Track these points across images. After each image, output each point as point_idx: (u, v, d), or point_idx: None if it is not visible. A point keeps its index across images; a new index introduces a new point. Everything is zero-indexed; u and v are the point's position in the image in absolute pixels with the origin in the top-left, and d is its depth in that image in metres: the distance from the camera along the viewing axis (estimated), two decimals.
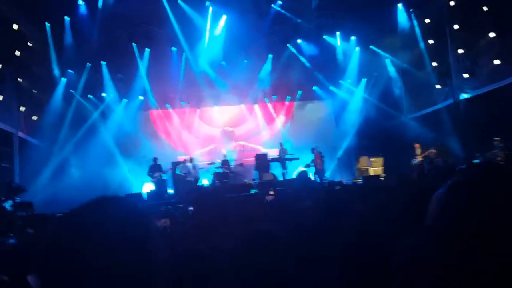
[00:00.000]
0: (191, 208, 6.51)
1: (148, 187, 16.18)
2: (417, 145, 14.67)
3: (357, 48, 18.78)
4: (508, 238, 0.81)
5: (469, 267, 0.83)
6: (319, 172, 16.21)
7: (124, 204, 1.19)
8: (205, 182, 17.21)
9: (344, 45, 18.96)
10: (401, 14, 16.69)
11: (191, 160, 16.40)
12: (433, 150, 14.12)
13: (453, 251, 0.86)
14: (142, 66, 18.04)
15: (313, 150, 16.76)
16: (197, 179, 16.18)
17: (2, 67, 12.46)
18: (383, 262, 1.26)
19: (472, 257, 0.83)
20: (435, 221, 0.94)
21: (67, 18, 15.97)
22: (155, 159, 15.98)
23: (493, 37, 12.40)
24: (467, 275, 0.83)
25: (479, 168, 0.99)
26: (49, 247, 1.08)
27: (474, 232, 0.85)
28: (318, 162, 16.51)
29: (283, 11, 17.64)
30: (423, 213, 1.02)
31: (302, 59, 18.94)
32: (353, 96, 19.56)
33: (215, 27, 17.80)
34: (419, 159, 14.42)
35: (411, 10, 16.19)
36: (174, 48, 18.15)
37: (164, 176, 16.02)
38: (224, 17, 17.54)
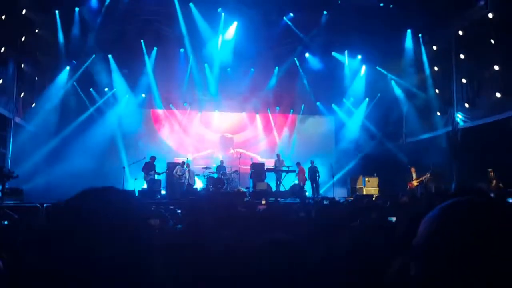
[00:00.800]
0: (179, 211, 6.49)
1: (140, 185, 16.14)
2: (413, 169, 14.76)
3: (363, 68, 18.87)
4: (494, 262, 0.83)
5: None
6: (301, 187, 16.40)
7: (117, 197, 1.13)
8: (198, 185, 17.18)
9: (351, 64, 19.06)
10: (409, 39, 16.79)
11: (186, 164, 16.33)
12: (428, 175, 14.25)
13: (441, 272, 0.88)
14: (149, 63, 18.07)
15: (298, 164, 16.85)
16: (190, 183, 16.12)
17: (6, 51, 12.42)
18: (371, 279, 1.25)
19: (461, 278, 0.85)
20: (425, 242, 0.95)
21: (77, 8, 15.99)
22: (152, 158, 15.89)
23: (497, 70, 12.48)
24: None
25: (470, 195, 1.00)
26: (32, 237, 1.05)
27: (462, 254, 0.86)
28: (301, 176, 16.56)
29: (293, 25, 17.78)
30: (411, 234, 1.04)
31: (307, 74, 19.02)
32: (355, 115, 19.63)
33: (225, 34, 17.88)
34: (414, 183, 14.53)
35: (420, 35, 16.28)
36: (181, 50, 18.18)
37: (158, 176, 16.00)
38: (234, 25, 17.62)
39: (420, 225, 0.98)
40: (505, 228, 0.86)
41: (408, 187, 14.67)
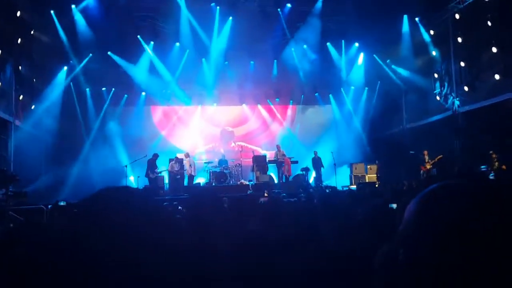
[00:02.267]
0: (180, 207, 6.51)
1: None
2: (425, 152, 14.76)
3: (361, 56, 18.82)
4: (474, 246, 0.83)
5: (440, 272, 0.85)
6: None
7: (134, 195, 1.16)
8: (201, 180, 17.22)
9: (349, 52, 19.00)
10: (406, 24, 16.71)
11: (188, 155, 16.32)
12: (440, 157, 14.19)
13: (423, 257, 0.88)
14: (145, 61, 18.01)
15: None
16: (192, 176, 16.12)
17: (2, 54, 12.39)
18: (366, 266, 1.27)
19: (442, 263, 0.85)
20: (407, 227, 0.96)
21: (73, 7, 15.92)
22: (155, 155, 15.85)
23: (495, 52, 12.44)
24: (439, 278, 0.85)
25: (462, 177, 1.00)
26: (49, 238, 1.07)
27: (441, 239, 0.86)
28: (287, 168, 16.56)
29: (289, 16, 17.69)
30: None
31: (305, 64, 18.95)
32: (354, 103, 19.63)
33: (221, 27, 17.80)
34: (427, 166, 14.54)
35: (417, 19, 16.18)
36: (177, 44, 18.10)
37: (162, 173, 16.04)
38: (230, 18, 17.54)
39: (405, 211, 0.98)
40: (488, 211, 0.85)
41: (421, 171, 14.70)
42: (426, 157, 14.73)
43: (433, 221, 0.88)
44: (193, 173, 16.14)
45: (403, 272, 0.91)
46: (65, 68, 16.60)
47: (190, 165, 16.09)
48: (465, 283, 0.81)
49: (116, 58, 17.48)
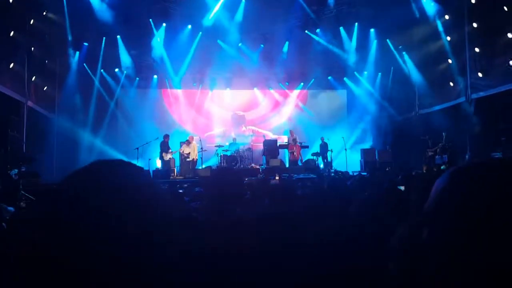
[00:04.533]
0: (197, 189, 6.56)
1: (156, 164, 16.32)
2: (427, 137, 14.92)
3: (375, 41, 18.57)
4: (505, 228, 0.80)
5: (464, 252, 0.83)
6: (294, 162, 16.36)
7: (133, 170, 1.04)
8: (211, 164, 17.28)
9: (362, 37, 18.73)
10: (421, 9, 16.40)
11: (192, 140, 16.35)
12: (441, 145, 14.35)
13: (449, 236, 0.86)
14: (157, 43, 17.98)
15: (288, 139, 16.76)
16: (195, 161, 16.16)
17: (16, 35, 12.45)
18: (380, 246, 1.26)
19: (468, 243, 0.83)
20: (434, 205, 0.93)
21: None
22: (166, 137, 15.96)
23: (511, 38, 12.19)
24: (463, 259, 0.83)
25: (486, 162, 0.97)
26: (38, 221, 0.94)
27: (470, 217, 0.84)
28: (295, 153, 16.50)
29: None
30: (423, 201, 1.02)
31: (319, 46, 18.73)
32: (367, 89, 19.46)
33: (234, 9, 17.63)
34: (430, 152, 14.62)
35: (432, 4, 15.88)
36: (189, 27, 18.00)
37: (173, 155, 16.15)
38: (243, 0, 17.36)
39: (432, 189, 0.97)
40: None
41: (425, 157, 14.83)
42: (429, 143, 14.85)
43: (465, 198, 0.86)
44: (195, 158, 16.21)
45: (427, 252, 0.89)
46: (77, 51, 16.64)
47: (194, 149, 16.14)
48: (496, 263, 0.79)
49: (126, 42, 17.45)
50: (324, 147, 17.09)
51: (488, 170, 0.89)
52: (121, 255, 0.89)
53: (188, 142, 16.14)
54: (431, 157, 14.76)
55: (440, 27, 15.79)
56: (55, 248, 0.88)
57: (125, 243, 0.90)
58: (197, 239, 1.65)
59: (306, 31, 18.67)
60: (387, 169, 14.12)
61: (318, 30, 18.64)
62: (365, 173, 14.25)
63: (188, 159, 15.86)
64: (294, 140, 16.80)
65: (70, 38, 16.18)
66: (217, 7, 17.52)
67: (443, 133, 14.51)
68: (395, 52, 17.86)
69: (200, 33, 18.02)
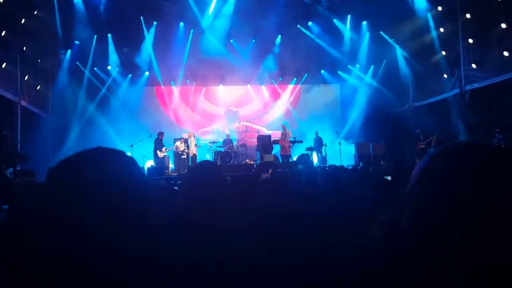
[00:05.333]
0: (180, 181, 6.52)
1: (149, 163, 16.27)
2: (420, 130, 15.07)
3: (367, 33, 18.57)
4: (485, 206, 0.81)
5: (443, 232, 0.83)
6: (285, 157, 16.40)
7: (125, 159, 1.01)
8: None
9: (354, 30, 18.73)
10: (414, 0, 16.41)
11: (192, 135, 16.38)
12: (434, 137, 14.43)
13: (428, 218, 0.86)
14: (149, 41, 17.92)
15: (281, 134, 16.85)
16: (195, 156, 16.18)
17: (7, 35, 12.39)
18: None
19: (447, 223, 0.83)
20: (413, 188, 0.94)
21: None
22: (160, 134, 15.98)
23: (504, 28, 12.20)
24: (439, 242, 0.83)
25: (467, 145, 0.97)
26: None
27: (449, 198, 0.84)
28: (285, 147, 16.52)
29: None
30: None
31: (311, 42, 18.72)
32: (360, 82, 19.48)
33: (225, 5, 17.58)
34: (421, 145, 14.71)
35: None
36: (181, 24, 17.96)
37: (167, 152, 16.14)
38: None
39: (412, 173, 0.97)
40: (496, 170, 0.84)
41: (418, 149, 14.91)
42: (421, 136, 14.92)
43: (440, 180, 0.86)
44: (195, 153, 16.23)
45: (406, 236, 0.89)
46: (69, 49, 16.57)
47: (196, 145, 16.19)
48: (469, 245, 0.80)
49: (117, 39, 17.39)
50: (318, 141, 17.12)
51: (465, 152, 0.90)
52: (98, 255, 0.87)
53: (182, 139, 16.16)
54: (423, 149, 14.80)
55: (433, 19, 15.81)
56: (40, 246, 0.86)
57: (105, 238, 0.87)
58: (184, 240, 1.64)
59: (298, 26, 18.62)
60: (382, 163, 14.15)
61: (310, 23, 18.60)
62: (359, 167, 14.30)
63: (183, 156, 15.85)
64: (284, 135, 16.81)
65: (61, 36, 16.09)
66: (212, 6, 17.46)
67: (436, 128, 14.61)
68: (391, 42, 17.82)
69: (192, 30, 17.96)
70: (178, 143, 16.01)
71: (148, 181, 1.05)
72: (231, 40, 18.46)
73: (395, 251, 0.97)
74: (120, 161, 1.00)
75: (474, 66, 13.66)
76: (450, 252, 0.82)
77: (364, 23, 18.38)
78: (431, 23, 15.85)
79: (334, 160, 16.73)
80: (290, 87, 20.28)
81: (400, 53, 17.86)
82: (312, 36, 18.72)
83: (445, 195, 0.84)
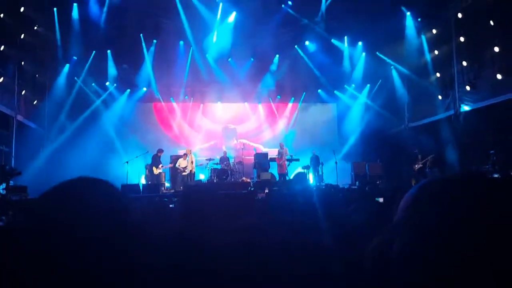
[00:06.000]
0: (175, 198, 6.48)
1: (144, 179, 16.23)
2: (417, 151, 15.13)
3: (363, 54, 18.78)
4: (468, 237, 0.82)
5: (428, 266, 0.84)
6: (282, 175, 16.45)
7: (105, 190, 1.02)
8: (202, 177, 17.22)
9: (351, 50, 18.95)
10: (409, 23, 16.67)
11: (189, 152, 16.34)
12: (430, 158, 14.50)
13: (416, 247, 0.87)
14: (148, 57, 18.04)
15: (278, 152, 16.96)
16: (193, 173, 16.13)
17: (6, 49, 12.46)
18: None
19: (434, 253, 0.84)
20: (402, 218, 0.95)
21: (75, 4, 15.95)
22: (160, 151, 16.00)
23: (497, 51, 12.39)
24: (427, 272, 0.84)
25: (458, 175, 0.98)
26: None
27: (434, 229, 0.85)
28: (282, 165, 16.55)
29: (292, 12, 17.64)
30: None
31: (308, 61, 18.92)
32: (357, 102, 19.61)
33: (224, 24, 17.79)
34: (420, 164, 14.74)
35: (419, 19, 16.17)
36: (181, 42, 18.14)
37: (163, 169, 16.10)
38: (233, 14, 17.52)
39: (401, 202, 0.99)
40: (482, 203, 0.85)
41: (414, 170, 14.95)
42: (419, 156, 14.95)
43: (428, 213, 0.88)
44: (193, 170, 16.18)
45: (396, 261, 0.91)
46: (67, 64, 16.64)
47: (192, 162, 16.13)
48: (455, 274, 0.81)
49: (116, 55, 17.52)
50: (315, 160, 17.14)
51: (453, 185, 0.91)
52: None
53: (185, 156, 16.09)
54: (419, 170, 14.84)
55: (427, 42, 16.04)
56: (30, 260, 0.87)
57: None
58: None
59: (295, 46, 18.83)
60: (378, 182, 14.14)
61: (307, 43, 18.80)
62: (355, 187, 14.28)
63: (184, 173, 15.76)
64: (281, 153, 16.83)
65: (60, 52, 16.18)
66: (212, 24, 17.67)
67: (432, 149, 14.68)
68: (388, 61, 17.99)
69: (192, 47, 18.12)
70: (180, 160, 15.98)
71: (130, 210, 1.05)
72: (229, 59, 18.59)
73: (384, 280, 0.98)
74: (102, 192, 1.01)
75: (468, 88, 13.82)
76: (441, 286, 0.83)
77: (360, 43, 18.62)
78: (425, 46, 16.08)
79: (330, 178, 16.72)
80: (288, 105, 20.38)
81: (395, 74, 18.04)
82: (307, 57, 18.92)
83: (437, 226, 0.85)
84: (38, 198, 0.97)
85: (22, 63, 13.80)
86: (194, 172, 16.21)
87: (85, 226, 0.92)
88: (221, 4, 17.36)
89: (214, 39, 18.04)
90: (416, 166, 15.11)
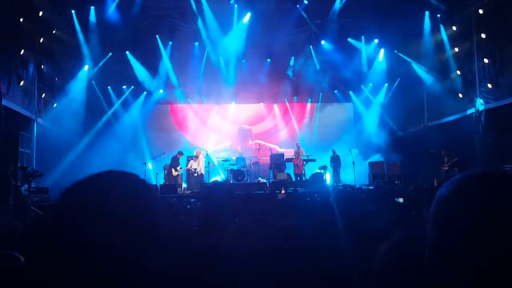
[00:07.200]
0: (192, 199, 6.51)
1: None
2: (443, 152, 14.76)
3: (381, 53, 18.58)
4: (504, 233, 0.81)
5: (465, 261, 0.83)
6: (298, 175, 16.37)
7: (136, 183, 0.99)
8: (217, 178, 17.28)
9: (368, 49, 18.78)
10: (428, 20, 16.42)
11: (200, 154, 16.42)
12: (456, 160, 14.21)
13: (450, 241, 0.87)
14: (164, 59, 18.16)
15: (295, 152, 16.92)
16: (202, 175, 16.19)
17: (25, 53, 12.67)
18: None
19: (468, 252, 0.83)
20: (435, 213, 0.93)
21: (92, 7, 16.15)
22: (180, 153, 16.22)
23: None
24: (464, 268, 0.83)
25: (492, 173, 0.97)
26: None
27: (469, 224, 0.85)
28: (298, 165, 16.45)
29: (307, 12, 17.58)
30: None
31: (324, 61, 18.81)
32: (374, 101, 19.40)
33: (239, 25, 17.81)
34: (446, 167, 14.45)
35: (438, 15, 15.89)
36: (196, 43, 18.23)
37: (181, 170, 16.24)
38: (248, 15, 17.53)
39: (436, 197, 0.96)
40: None
41: (440, 171, 14.67)
42: (446, 158, 14.65)
43: (467, 207, 0.86)
44: (202, 171, 16.25)
45: (429, 264, 0.89)
46: (86, 67, 16.85)
47: (199, 163, 16.19)
48: (494, 272, 0.80)
49: (134, 57, 17.67)
50: (336, 159, 17.01)
51: (491, 180, 0.90)
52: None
53: (195, 157, 16.22)
54: (446, 172, 14.45)
55: (448, 39, 15.76)
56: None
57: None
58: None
59: (310, 46, 18.75)
60: (396, 182, 13.99)
61: (323, 43, 18.68)
62: (372, 187, 14.15)
63: (195, 174, 15.90)
64: (297, 153, 16.77)
65: (78, 55, 16.40)
66: (228, 24, 17.70)
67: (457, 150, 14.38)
68: (405, 63, 17.72)
69: (207, 49, 18.19)
70: (191, 161, 16.12)
71: (158, 203, 1.02)
72: (243, 60, 18.59)
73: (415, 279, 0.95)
74: (131, 184, 0.98)
75: (489, 85, 13.54)
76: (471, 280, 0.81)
77: (376, 41, 18.42)
78: (446, 43, 15.80)
79: (347, 178, 16.60)
80: (304, 105, 20.28)
81: (414, 72, 17.77)
82: (323, 57, 18.80)
83: (478, 221, 0.84)
84: (69, 187, 0.96)
85: (42, 66, 14.02)
86: (203, 173, 16.23)
87: (114, 219, 0.90)
88: (236, 6, 17.39)
89: (229, 40, 18.05)
90: (442, 167, 14.74)
